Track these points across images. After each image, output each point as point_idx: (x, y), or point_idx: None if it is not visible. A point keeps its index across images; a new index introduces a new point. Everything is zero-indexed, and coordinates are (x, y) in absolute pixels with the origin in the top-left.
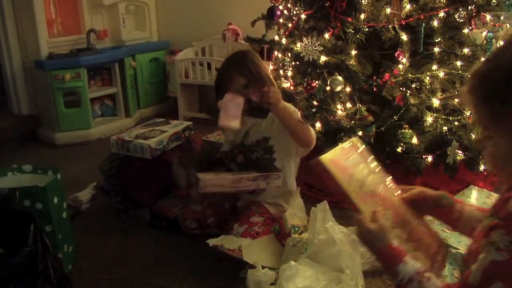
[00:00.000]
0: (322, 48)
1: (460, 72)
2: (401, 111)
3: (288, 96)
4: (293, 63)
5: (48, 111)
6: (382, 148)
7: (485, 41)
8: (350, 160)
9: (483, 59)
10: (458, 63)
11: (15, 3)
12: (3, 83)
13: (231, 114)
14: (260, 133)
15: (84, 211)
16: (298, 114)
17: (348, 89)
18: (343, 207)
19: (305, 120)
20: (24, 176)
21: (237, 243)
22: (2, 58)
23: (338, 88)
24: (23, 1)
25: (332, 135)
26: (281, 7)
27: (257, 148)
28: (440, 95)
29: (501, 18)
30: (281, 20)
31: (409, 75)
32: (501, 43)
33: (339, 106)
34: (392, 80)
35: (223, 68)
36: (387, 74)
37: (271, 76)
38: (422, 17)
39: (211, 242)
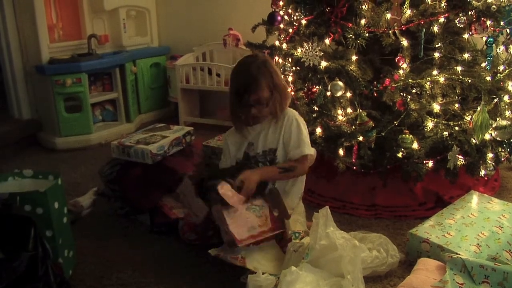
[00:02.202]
0: (322, 53)
1: (460, 77)
2: (402, 116)
3: None
4: (293, 68)
5: (48, 116)
6: (382, 153)
7: (485, 46)
8: None
9: (483, 64)
10: (459, 68)
11: (17, 8)
12: (4, 87)
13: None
14: (266, 142)
15: (84, 217)
16: (295, 152)
17: (348, 94)
18: (345, 212)
19: (285, 167)
20: (25, 181)
21: (238, 251)
22: (3, 62)
23: (339, 94)
24: (25, 6)
25: (333, 141)
26: (281, 13)
27: (262, 159)
28: (441, 100)
29: (501, 23)
30: (281, 26)
31: (410, 80)
32: (501, 48)
33: (339, 111)
34: (393, 85)
35: (247, 75)
36: (387, 79)
37: (288, 90)
38: (422, 22)
39: (213, 252)
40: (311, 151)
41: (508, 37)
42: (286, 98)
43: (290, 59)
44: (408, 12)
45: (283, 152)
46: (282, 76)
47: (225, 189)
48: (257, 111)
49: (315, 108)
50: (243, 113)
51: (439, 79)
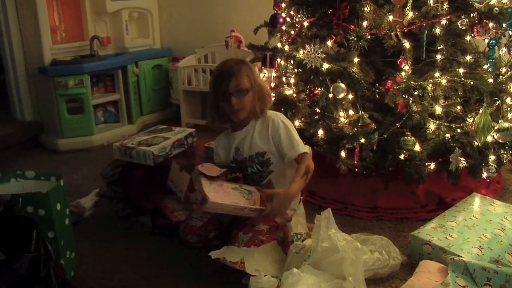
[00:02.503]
0: (324, 55)
1: (462, 79)
2: (404, 118)
3: (290, 103)
4: (295, 70)
5: (51, 118)
6: (384, 155)
7: (487, 48)
8: None
9: (485, 66)
10: (461, 70)
11: (19, 10)
12: (7, 89)
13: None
14: (252, 146)
15: (86, 218)
16: (291, 155)
17: (350, 96)
18: (346, 214)
19: (305, 172)
20: (27, 182)
21: (239, 254)
22: (6, 64)
23: (341, 95)
24: (27, 8)
25: (335, 142)
26: (283, 15)
27: (250, 163)
28: (443, 103)
29: (504, 25)
30: (283, 28)
31: (412, 82)
32: (504, 50)
33: (341, 113)
34: (395, 87)
35: (227, 65)
36: (389, 81)
37: (269, 91)
38: (424, 24)
39: (213, 255)
40: (305, 149)
41: (510, 39)
42: (265, 96)
43: (292, 61)
44: (410, 14)
45: (277, 156)
46: (284, 78)
47: (206, 167)
48: (238, 101)
49: (317, 110)
50: (224, 106)
51: (441, 81)
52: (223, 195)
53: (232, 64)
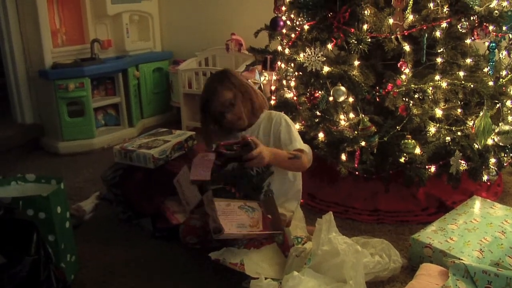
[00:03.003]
0: (325, 58)
1: (463, 82)
2: (404, 121)
3: (291, 106)
4: (296, 73)
5: (51, 121)
6: (385, 158)
7: (487, 51)
8: None
9: (486, 69)
10: (461, 73)
11: (20, 13)
12: (7, 92)
13: (202, 169)
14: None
15: (87, 221)
16: (288, 149)
17: (351, 99)
18: (347, 218)
19: (294, 154)
20: (28, 185)
21: (239, 255)
22: (7, 67)
23: (341, 99)
24: (28, 11)
25: (335, 146)
26: (284, 18)
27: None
28: (443, 106)
29: (504, 28)
30: (284, 31)
31: (412, 85)
32: (504, 53)
33: (342, 117)
34: (395, 90)
35: (207, 87)
36: (390, 84)
37: (255, 88)
38: (424, 27)
39: (213, 255)
40: (303, 146)
41: (510, 42)
42: (253, 94)
43: (292, 64)
44: (410, 17)
45: None
46: (285, 81)
47: (201, 160)
48: (232, 115)
49: (318, 113)
50: (224, 122)
51: (442, 84)
52: (232, 219)
53: (209, 85)
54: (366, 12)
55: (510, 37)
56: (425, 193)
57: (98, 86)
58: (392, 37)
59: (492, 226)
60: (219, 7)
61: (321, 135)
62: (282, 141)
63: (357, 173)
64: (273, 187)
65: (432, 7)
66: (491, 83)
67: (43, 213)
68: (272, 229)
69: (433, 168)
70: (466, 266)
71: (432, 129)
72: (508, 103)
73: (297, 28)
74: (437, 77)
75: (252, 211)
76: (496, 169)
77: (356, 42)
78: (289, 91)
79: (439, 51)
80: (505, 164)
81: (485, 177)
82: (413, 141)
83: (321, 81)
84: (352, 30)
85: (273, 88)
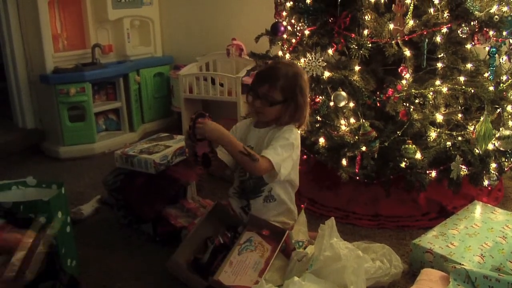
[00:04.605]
0: (325, 63)
1: (463, 87)
2: (405, 127)
3: None
4: None
5: (52, 125)
6: (385, 163)
7: (488, 56)
8: None
9: (486, 74)
10: (461, 79)
11: (21, 18)
12: (8, 97)
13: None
14: (263, 148)
15: (84, 221)
16: (262, 151)
17: (351, 104)
18: (348, 223)
19: (249, 152)
20: (28, 190)
21: None
22: (8, 71)
23: (342, 104)
24: (29, 16)
25: (336, 151)
26: (284, 23)
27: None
28: (444, 111)
29: (504, 33)
30: (284, 36)
31: (413, 90)
32: (504, 58)
33: (342, 122)
34: (396, 95)
35: (275, 69)
36: (390, 89)
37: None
38: (425, 32)
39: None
40: (274, 159)
41: (510, 47)
42: (298, 113)
43: None
44: (411, 23)
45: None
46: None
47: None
48: (260, 106)
49: (318, 118)
50: (250, 100)
51: (442, 89)
52: (245, 271)
53: (277, 72)
54: (366, 17)
55: (511, 42)
56: (426, 198)
57: (99, 91)
58: (393, 42)
59: (493, 231)
60: (220, 12)
61: (322, 140)
62: (266, 145)
63: (357, 178)
64: (274, 193)
65: (432, 12)
66: (491, 88)
67: (44, 217)
68: (276, 237)
69: (433, 173)
70: (467, 271)
71: (432, 134)
72: (508, 108)
73: (297, 33)
74: (438, 82)
75: (250, 242)
76: (496, 174)
77: (356, 47)
78: None
79: (439, 56)
80: (505, 169)
81: (486, 182)
82: (413, 146)
83: (321, 86)
84: (353, 35)
85: None
